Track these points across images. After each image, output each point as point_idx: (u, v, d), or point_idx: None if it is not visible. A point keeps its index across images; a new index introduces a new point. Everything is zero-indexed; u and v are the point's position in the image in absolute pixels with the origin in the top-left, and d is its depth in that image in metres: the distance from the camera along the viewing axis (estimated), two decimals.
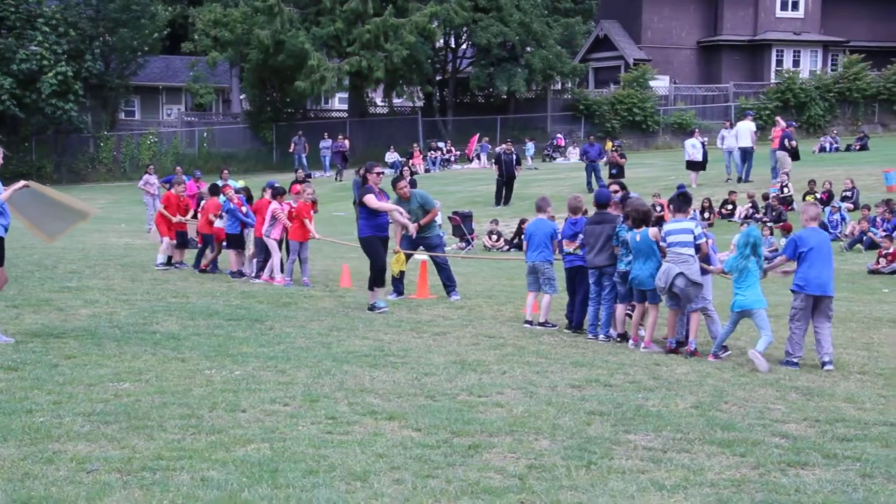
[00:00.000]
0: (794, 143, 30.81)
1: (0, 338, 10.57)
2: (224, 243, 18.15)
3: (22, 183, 10.86)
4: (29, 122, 48.16)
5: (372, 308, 13.95)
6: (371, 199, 14.18)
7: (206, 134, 53.55)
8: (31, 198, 11.02)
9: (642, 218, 11.82)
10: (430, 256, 16.00)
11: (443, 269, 15.72)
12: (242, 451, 6.94)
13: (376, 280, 14.21)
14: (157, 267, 17.96)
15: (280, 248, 17.08)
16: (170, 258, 18.46)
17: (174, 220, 18.66)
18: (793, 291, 10.98)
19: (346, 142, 47.30)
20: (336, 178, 43.62)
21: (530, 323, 13.34)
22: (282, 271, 16.83)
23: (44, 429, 7.31)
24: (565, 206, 13.63)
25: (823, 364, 10.73)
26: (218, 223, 17.96)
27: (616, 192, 13.30)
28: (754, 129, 32.93)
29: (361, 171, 16.68)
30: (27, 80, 45.95)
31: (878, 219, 23.79)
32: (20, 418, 7.57)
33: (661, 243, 11.56)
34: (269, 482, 6.26)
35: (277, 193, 17.23)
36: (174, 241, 18.55)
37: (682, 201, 11.91)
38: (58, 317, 12.46)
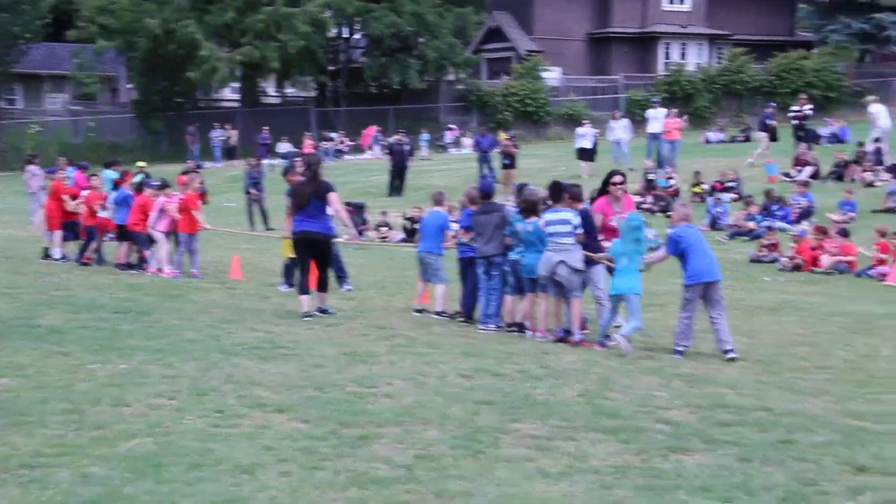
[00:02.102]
0: (773, 122, 31.55)
1: None
2: (111, 235, 17.82)
3: None
4: None
5: (323, 311, 13.01)
6: (336, 198, 12.99)
7: (92, 123, 52.35)
8: None
9: (531, 208, 11.96)
10: None
11: (334, 259, 15.64)
12: (126, 447, 6.84)
13: (328, 282, 13.43)
14: (58, 259, 17.59)
15: (168, 240, 16.82)
16: (46, 250, 18.07)
17: (71, 205, 18.13)
18: (686, 286, 11.19)
19: (234, 132, 46.78)
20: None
21: (420, 311, 13.42)
22: (170, 263, 16.59)
23: None
24: (460, 197, 13.74)
25: (726, 353, 10.87)
26: (103, 213, 17.62)
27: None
28: (666, 114, 33.46)
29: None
30: None
31: (761, 208, 24.44)
32: None
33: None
34: (153, 477, 6.18)
35: (164, 186, 16.97)
36: (64, 233, 18.12)
37: (557, 191, 12.04)
38: None
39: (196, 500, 5.84)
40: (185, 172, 21.60)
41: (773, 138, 31.58)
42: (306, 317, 12.60)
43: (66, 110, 54.27)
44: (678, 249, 11.20)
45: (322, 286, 13.12)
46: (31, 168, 28.77)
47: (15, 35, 49.73)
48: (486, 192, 13.06)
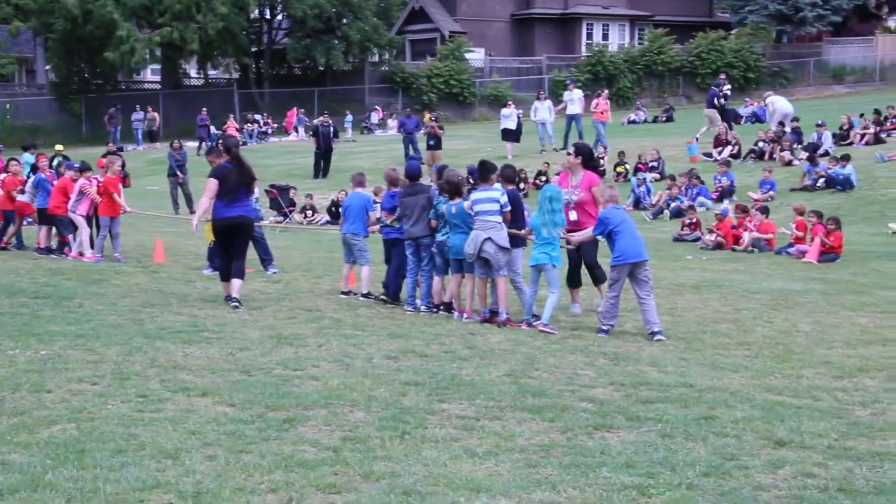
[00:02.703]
0: (723, 101, 31.97)
1: None
2: (29, 219, 17.51)
3: None
4: None
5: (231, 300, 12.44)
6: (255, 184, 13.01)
7: (8, 106, 51.22)
8: None
9: (455, 190, 11.99)
10: None
11: (259, 242, 15.55)
12: (47, 433, 6.73)
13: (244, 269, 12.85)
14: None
15: (90, 224, 16.57)
16: None
17: None
18: (613, 266, 11.30)
19: (156, 115, 46.21)
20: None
21: (346, 294, 13.40)
22: (91, 247, 16.35)
23: None
24: (383, 178, 13.73)
25: (653, 335, 10.93)
26: (21, 197, 17.30)
27: None
28: (582, 95, 33.74)
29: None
30: None
31: (683, 188, 24.78)
32: None
33: (471, 212, 11.74)
34: (75, 463, 6.09)
35: (84, 169, 16.69)
36: None
37: (485, 170, 12.06)
38: None
39: (120, 485, 5.77)
40: (105, 155, 21.28)
41: (723, 114, 32.11)
42: (231, 301, 12.23)
43: None
44: (605, 230, 11.32)
45: (237, 273, 12.47)
46: None
47: None
48: (412, 174, 13.08)
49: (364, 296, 13.32)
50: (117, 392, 7.89)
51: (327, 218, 25.84)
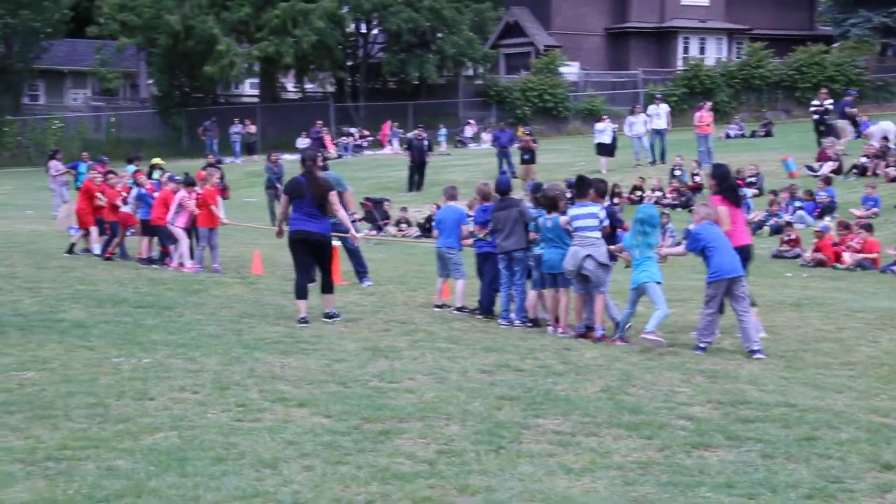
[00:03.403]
0: (854, 110, 31.66)
1: None
2: (132, 230, 17.92)
3: None
4: None
5: (329, 316, 12.31)
6: (335, 197, 12.51)
7: (113, 119, 52.57)
8: None
9: (552, 203, 11.97)
10: (342, 242, 15.95)
11: (354, 254, 15.68)
12: (150, 440, 6.87)
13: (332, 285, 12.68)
14: (97, 255, 17.70)
15: (189, 236, 16.89)
16: (72, 245, 18.16)
17: (101, 202, 18.22)
18: (709, 283, 11.13)
19: (252, 127, 46.97)
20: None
21: (440, 307, 13.44)
22: (191, 258, 16.66)
23: None
24: (475, 192, 13.75)
25: (752, 353, 10.70)
26: (124, 208, 17.71)
27: None
28: (668, 110, 33.56)
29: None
30: None
31: (784, 204, 24.35)
32: None
33: (568, 227, 11.70)
34: (177, 470, 6.21)
35: (189, 183, 17.05)
36: (97, 228, 18.20)
37: (582, 186, 12.02)
38: None
39: (220, 493, 5.86)
40: (205, 167, 21.70)
41: (855, 126, 31.65)
42: (302, 322, 11.87)
43: (87, 106, 54.56)
44: (697, 247, 11.20)
45: (326, 288, 12.40)
46: (53, 163, 28.97)
47: (36, 31, 50.04)
48: (502, 189, 13.10)
49: (458, 309, 13.34)
50: (217, 401, 8.03)
51: (419, 233, 25.93)
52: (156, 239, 17.39)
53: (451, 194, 14.10)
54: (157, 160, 25.53)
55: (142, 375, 8.80)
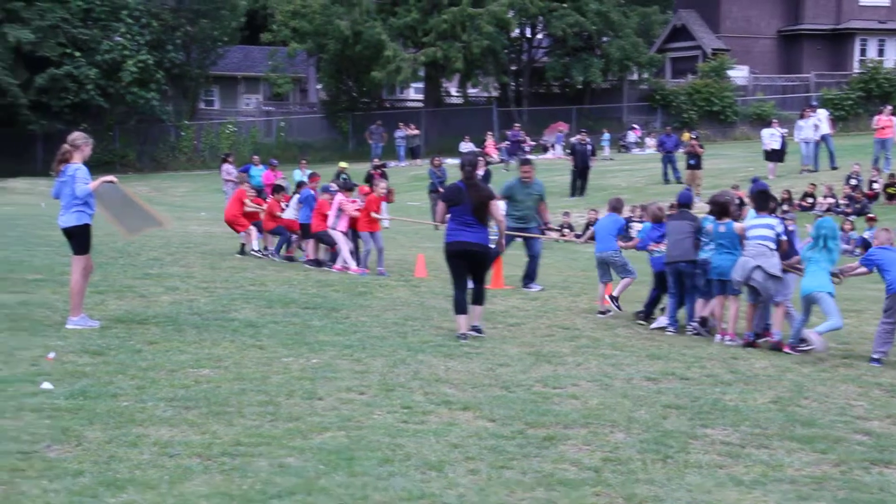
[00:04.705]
0: None
1: (87, 322, 10.80)
2: (295, 235, 18.40)
3: (109, 177, 11.22)
4: (113, 111, 49.09)
5: (476, 330, 11.47)
6: (497, 206, 11.80)
7: (283, 123, 54.05)
8: (115, 193, 11.28)
9: (721, 210, 11.78)
10: (527, 247, 16.01)
11: (534, 259, 15.76)
12: (319, 439, 7.01)
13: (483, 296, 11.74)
14: (256, 252, 18.29)
15: (353, 239, 17.24)
16: (242, 246, 18.71)
17: (250, 207, 18.83)
18: (889, 295, 10.85)
19: (416, 130, 47.49)
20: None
21: (604, 313, 13.34)
22: (357, 261, 16.97)
23: (128, 413, 7.45)
24: (639, 198, 13.65)
25: None
26: (285, 215, 18.25)
27: None
28: (828, 115, 32.66)
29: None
30: (111, 70, 46.87)
31: None
32: (105, 402, 7.73)
33: (744, 234, 11.54)
34: (345, 470, 6.32)
35: (348, 188, 17.46)
36: (254, 229, 18.75)
37: (763, 199, 11.87)
38: (140, 303, 12.68)
39: (387, 494, 5.94)
40: (375, 168, 22.13)
41: None
42: (462, 338, 11.10)
43: (259, 110, 56.25)
44: (871, 265, 11.10)
45: (478, 299, 11.51)
46: (226, 167, 29.95)
47: (214, 39, 51.95)
48: (683, 203, 13.05)
49: (610, 297, 13.45)
50: (383, 402, 8.13)
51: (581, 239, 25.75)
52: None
53: (615, 206, 14.21)
54: (343, 164, 26.14)
55: (310, 375, 8.99)
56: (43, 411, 7.43)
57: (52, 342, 9.86)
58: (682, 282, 12.42)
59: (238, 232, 18.88)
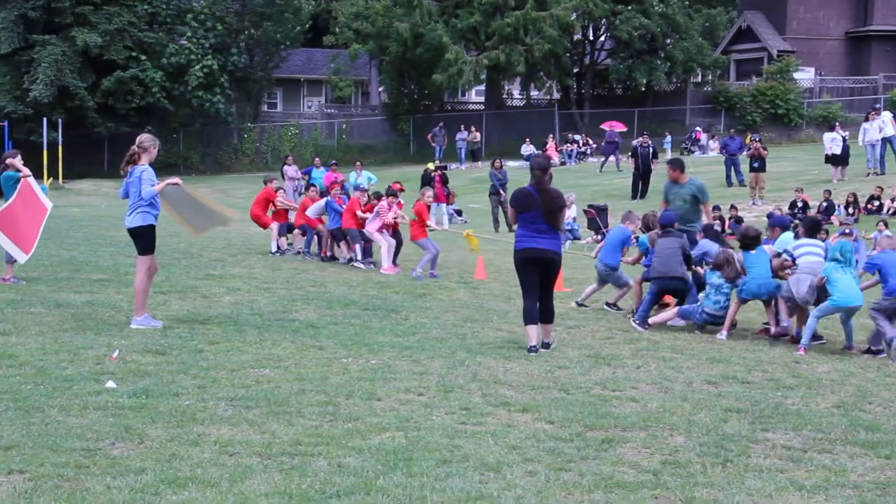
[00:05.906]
0: None
1: (150, 322, 10.97)
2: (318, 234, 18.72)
3: (174, 179, 11.39)
4: (177, 114, 49.82)
5: (545, 346, 10.82)
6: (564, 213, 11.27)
7: (344, 126, 54.39)
8: (181, 194, 11.44)
9: (753, 243, 12.35)
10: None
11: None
12: (378, 439, 7.05)
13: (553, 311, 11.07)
14: (274, 252, 18.56)
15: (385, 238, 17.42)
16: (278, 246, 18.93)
17: (282, 205, 19.18)
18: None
19: (477, 134, 47.48)
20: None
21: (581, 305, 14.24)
22: (393, 261, 17.06)
23: (189, 412, 7.56)
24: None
25: None
26: (310, 213, 18.69)
27: None
28: (892, 117, 32.09)
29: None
30: (176, 73, 47.56)
31: None
32: (167, 401, 7.84)
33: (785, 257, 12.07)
34: (403, 470, 6.35)
35: (390, 194, 17.66)
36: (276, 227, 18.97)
37: (812, 227, 12.50)
38: (202, 303, 12.83)
39: (445, 495, 5.95)
40: (437, 168, 22.29)
41: None
42: (532, 350, 10.55)
43: (321, 113, 56.66)
44: (872, 269, 11.60)
45: (548, 317, 10.84)
46: (287, 168, 30.24)
47: (277, 42, 52.46)
48: (666, 224, 13.17)
49: (608, 304, 14.12)
50: (441, 403, 8.15)
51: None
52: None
53: (625, 217, 14.71)
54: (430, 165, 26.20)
55: (369, 376, 9.04)
56: (107, 409, 7.56)
57: (116, 341, 10.02)
58: (670, 293, 13.10)
59: (263, 229, 19.26)
